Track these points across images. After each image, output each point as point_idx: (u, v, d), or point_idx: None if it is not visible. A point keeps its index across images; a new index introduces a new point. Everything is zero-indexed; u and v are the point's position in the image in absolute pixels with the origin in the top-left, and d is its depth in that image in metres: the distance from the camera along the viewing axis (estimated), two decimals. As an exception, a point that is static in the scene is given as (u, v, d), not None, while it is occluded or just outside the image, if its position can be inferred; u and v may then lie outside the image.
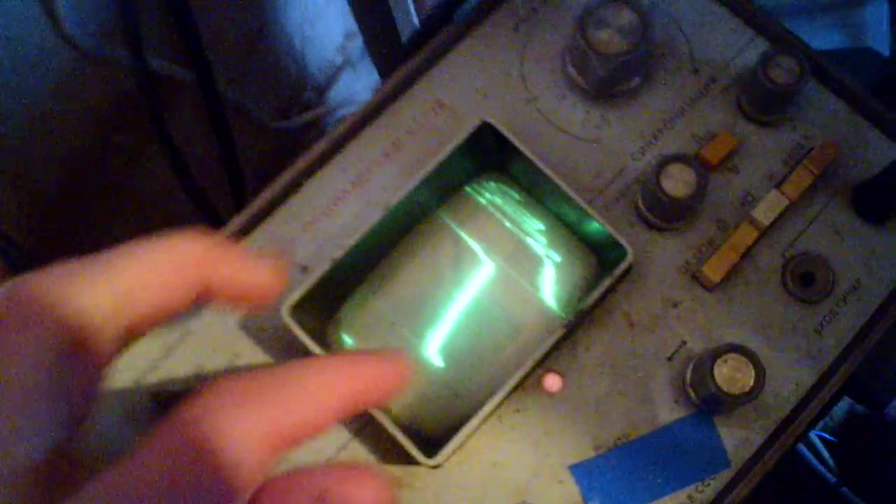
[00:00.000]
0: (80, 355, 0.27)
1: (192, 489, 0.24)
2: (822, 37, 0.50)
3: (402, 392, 0.31)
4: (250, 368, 0.41)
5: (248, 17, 0.84)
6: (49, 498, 0.25)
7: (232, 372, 0.35)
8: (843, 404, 0.96)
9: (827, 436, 0.95)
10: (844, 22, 0.57)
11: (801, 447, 0.84)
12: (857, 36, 0.57)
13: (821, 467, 0.84)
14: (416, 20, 0.91)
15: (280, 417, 0.25)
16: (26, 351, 0.26)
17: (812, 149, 0.43)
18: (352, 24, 0.99)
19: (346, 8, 0.95)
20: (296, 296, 0.39)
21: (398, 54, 0.93)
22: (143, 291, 0.29)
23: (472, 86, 0.45)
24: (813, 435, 0.92)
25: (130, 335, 0.30)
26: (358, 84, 1.06)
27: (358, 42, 1.03)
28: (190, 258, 0.30)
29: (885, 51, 0.59)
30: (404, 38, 0.91)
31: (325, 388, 0.27)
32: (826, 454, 0.92)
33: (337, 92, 1.04)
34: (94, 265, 0.28)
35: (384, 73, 1.00)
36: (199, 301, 0.31)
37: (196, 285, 0.31)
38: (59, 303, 0.27)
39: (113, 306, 0.28)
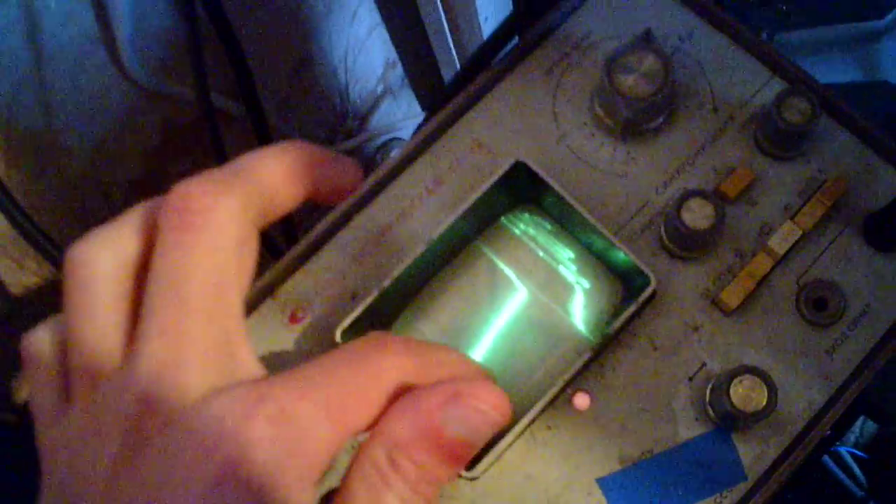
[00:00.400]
0: (244, 248, 0.31)
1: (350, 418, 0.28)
2: (839, 71, 0.53)
3: None
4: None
5: (294, 51, 0.88)
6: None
7: None
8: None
9: (858, 452, 0.97)
10: (861, 56, 0.60)
11: (829, 462, 0.86)
12: (873, 70, 0.59)
13: (848, 481, 0.86)
14: (454, 52, 0.95)
15: (342, 390, 0.29)
16: (210, 245, 0.30)
17: (825, 181, 0.46)
18: (392, 54, 1.03)
19: (387, 38, 0.99)
20: (347, 321, 0.43)
21: (437, 85, 0.98)
22: (276, 192, 0.33)
23: (508, 125, 0.49)
24: (844, 451, 0.94)
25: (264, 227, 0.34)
26: (398, 112, 1.11)
27: (398, 71, 1.07)
28: (304, 159, 0.34)
29: (903, 83, 0.61)
30: (443, 70, 0.95)
31: (384, 361, 0.30)
32: (857, 470, 0.93)
33: (378, 119, 1.08)
34: (237, 175, 0.32)
35: (424, 102, 1.04)
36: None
37: (310, 184, 0.34)
38: (223, 206, 0.30)
39: (257, 211, 0.32)
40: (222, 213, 0.30)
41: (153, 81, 0.71)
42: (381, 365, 0.30)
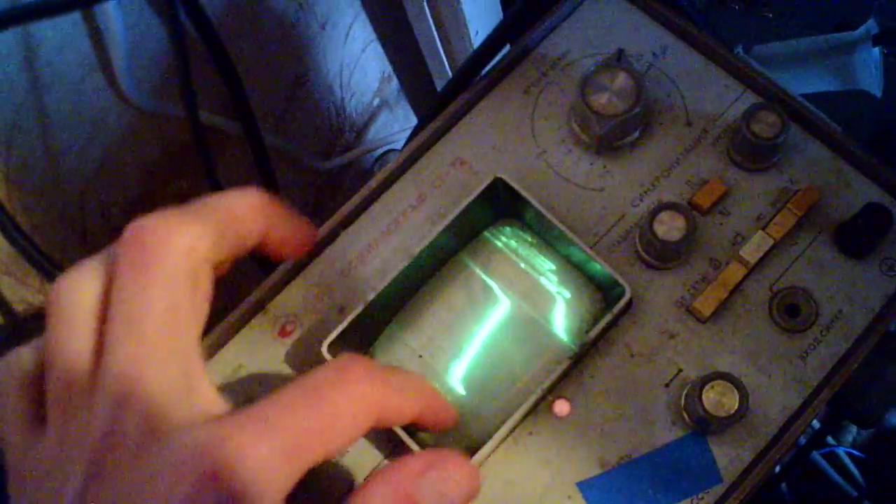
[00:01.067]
0: (199, 284, 0.32)
1: (309, 451, 0.28)
2: (816, 81, 0.54)
3: (440, 425, 0.37)
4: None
5: (289, 69, 0.90)
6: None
7: None
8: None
9: (856, 452, 0.97)
10: (838, 66, 0.61)
11: (823, 462, 0.87)
12: (849, 79, 0.61)
13: (842, 481, 0.87)
14: (447, 65, 0.96)
15: (299, 429, 0.28)
16: (163, 280, 0.30)
17: (797, 191, 0.48)
18: (387, 67, 1.04)
19: (382, 52, 1.01)
20: (334, 334, 0.44)
21: (432, 96, 0.99)
22: (232, 232, 0.34)
23: (488, 143, 0.50)
24: (841, 451, 0.95)
25: (219, 272, 0.35)
26: (395, 124, 1.12)
27: (394, 84, 1.08)
28: (260, 203, 0.35)
29: (878, 92, 0.62)
30: (437, 82, 0.97)
31: (342, 396, 0.30)
32: (854, 470, 0.94)
33: (375, 132, 1.09)
34: (189, 212, 0.33)
35: (420, 113, 1.06)
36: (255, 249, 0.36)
37: (263, 227, 0.35)
38: (176, 241, 0.31)
39: (211, 245, 0.33)
40: (175, 248, 0.31)
41: (150, 103, 0.73)
42: (341, 399, 0.30)
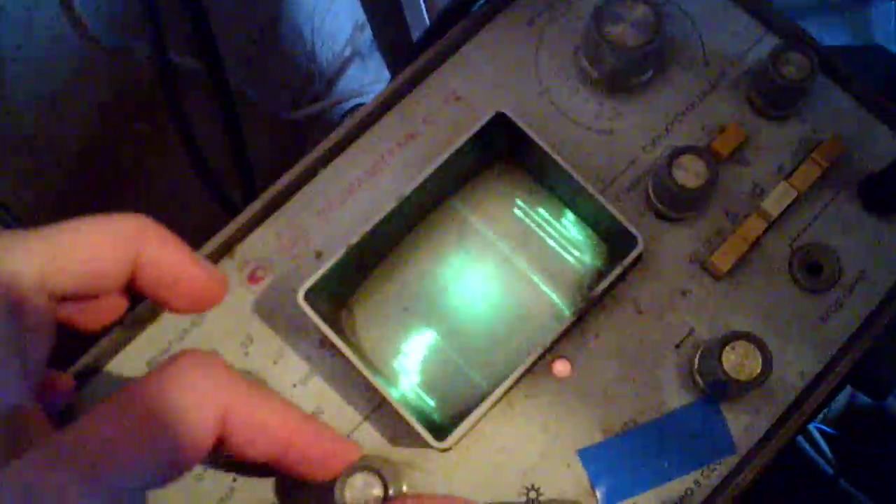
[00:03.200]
0: (17, 316, 0.29)
1: (145, 446, 0.26)
2: (831, 34, 0.51)
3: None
4: (263, 353, 0.42)
5: (259, 8, 0.85)
6: (10, 449, 0.27)
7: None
8: (843, 396, 0.96)
9: (826, 428, 0.96)
10: (853, 20, 0.58)
11: (800, 439, 0.85)
12: (865, 33, 0.57)
13: (819, 459, 0.85)
14: (426, 17, 0.91)
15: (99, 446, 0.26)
16: None
17: (821, 142, 0.44)
18: (361, 16, 0.99)
19: (356, -1, 0.96)
20: (311, 280, 0.40)
21: (407, 48, 0.94)
22: (71, 258, 0.31)
23: (487, 78, 0.46)
24: (812, 427, 0.93)
25: (68, 301, 0.32)
26: (366, 76, 1.07)
27: (367, 34, 1.04)
28: (124, 231, 0.32)
29: (894, 47, 0.59)
30: (414, 33, 0.92)
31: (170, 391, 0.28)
32: (825, 446, 0.92)
33: (345, 84, 1.04)
34: (25, 234, 0.30)
35: (393, 67, 1.01)
36: (136, 289, 0.33)
37: (127, 258, 0.32)
38: None
39: (40, 271, 0.30)
40: None
41: (109, 36, 0.67)
42: (168, 395, 0.28)
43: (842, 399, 0.98)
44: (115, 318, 0.36)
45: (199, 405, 0.28)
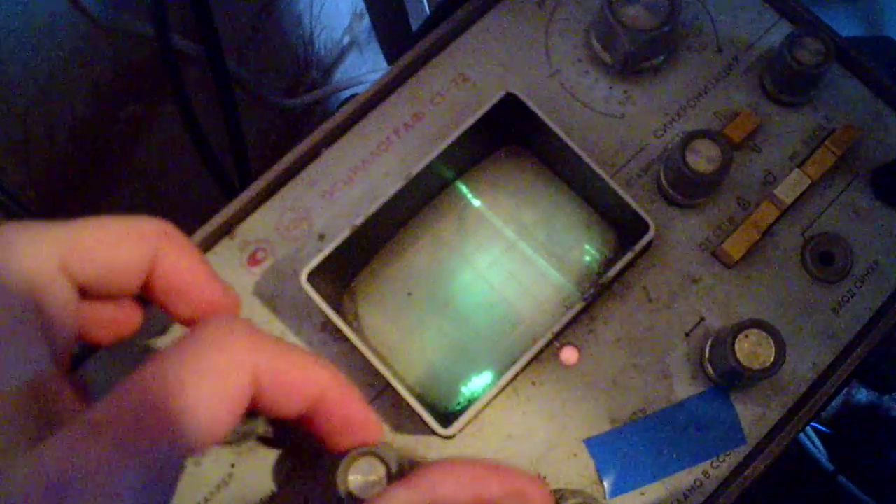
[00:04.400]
0: (40, 295, 0.29)
1: (181, 412, 0.26)
2: (839, 25, 0.50)
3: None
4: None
5: (258, -7, 0.84)
6: (35, 427, 0.26)
7: None
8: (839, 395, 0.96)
9: (821, 427, 0.96)
10: (862, 10, 0.57)
11: (800, 436, 0.85)
12: (874, 24, 0.57)
13: (819, 455, 0.85)
14: (426, 6, 0.90)
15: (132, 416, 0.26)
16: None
17: (834, 130, 0.43)
18: (361, 4, 0.98)
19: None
20: (314, 262, 0.39)
21: (406, 37, 0.93)
22: (93, 248, 0.31)
23: (496, 59, 0.45)
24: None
25: (88, 294, 0.32)
26: (364, 66, 1.06)
27: (366, 23, 1.02)
28: (146, 232, 0.32)
29: (906, 38, 0.59)
30: (413, 23, 0.91)
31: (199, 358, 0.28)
32: (819, 444, 0.92)
33: (343, 73, 1.03)
34: (48, 224, 0.30)
35: (390, 57, 1.00)
36: (149, 294, 0.33)
37: (146, 257, 0.32)
38: (8, 260, 0.28)
39: (62, 256, 0.30)
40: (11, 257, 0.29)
41: (107, 14, 0.66)
42: (198, 362, 0.28)
43: (837, 398, 0.98)
44: (130, 332, 0.35)
45: (232, 366, 0.28)
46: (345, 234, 0.39)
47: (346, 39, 1.02)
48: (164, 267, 0.33)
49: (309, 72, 0.98)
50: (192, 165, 0.71)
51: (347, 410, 0.33)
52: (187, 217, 0.43)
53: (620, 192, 0.40)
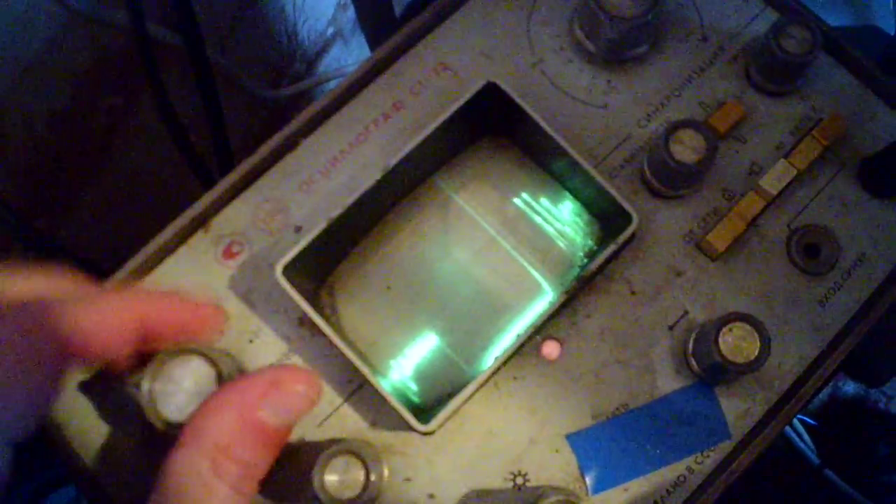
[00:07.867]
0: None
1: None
2: (828, 14, 0.49)
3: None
4: (239, 331, 0.40)
5: (240, -17, 0.83)
6: None
7: None
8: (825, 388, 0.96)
9: (808, 419, 0.95)
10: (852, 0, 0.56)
11: (785, 428, 0.84)
12: (863, 14, 0.56)
13: (805, 449, 0.84)
14: (410, -8, 0.89)
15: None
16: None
17: (821, 120, 0.43)
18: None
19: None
20: (290, 255, 0.38)
21: (391, 27, 0.92)
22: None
23: (477, 48, 0.44)
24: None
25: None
26: (349, 58, 1.05)
27: (350, 14, 1.01)
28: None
29: (892, 29, 0.58)
30: (398, 12, 0.90)
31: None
32: (806, 437, 0.92)
33: (327, 64, 1.02)
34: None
35: (375, 48, 0.99)
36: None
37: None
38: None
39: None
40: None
41: (85, 4, 0.65)
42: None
43: (824, 391, 0.98)
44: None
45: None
46: (321, 226, 0.38)
47: (331, 30, 1.01)
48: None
49: (293, 63, 0.97)
50: (174, 157, 0.70)
51: (178, 315, 0.36)
52: (167, 210, 0.43)
53: (603, 183, 0.39)
